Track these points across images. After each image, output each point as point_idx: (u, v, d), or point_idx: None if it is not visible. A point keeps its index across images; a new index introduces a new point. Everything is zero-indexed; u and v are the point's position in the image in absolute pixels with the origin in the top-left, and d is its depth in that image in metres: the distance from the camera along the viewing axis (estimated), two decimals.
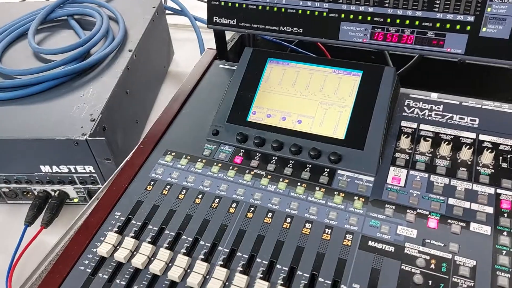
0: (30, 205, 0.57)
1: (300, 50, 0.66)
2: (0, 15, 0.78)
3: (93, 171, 0.55)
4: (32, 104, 0.57)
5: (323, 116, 0.45)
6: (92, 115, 0.54)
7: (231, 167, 0.45)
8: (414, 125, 0.45)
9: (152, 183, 0.44)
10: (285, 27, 0.49)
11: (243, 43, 0.66)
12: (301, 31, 0.49)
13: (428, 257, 0.35)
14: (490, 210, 0.38)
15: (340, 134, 0.44)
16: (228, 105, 0.48)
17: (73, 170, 0.55)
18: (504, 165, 0.41)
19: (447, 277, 0.34)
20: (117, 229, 0.41)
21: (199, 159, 0.46)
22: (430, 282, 0.34)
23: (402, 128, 0.45)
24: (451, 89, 0.48)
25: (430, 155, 0.42)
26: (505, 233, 0.36)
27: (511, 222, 0.37)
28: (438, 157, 0.42)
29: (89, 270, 0.38)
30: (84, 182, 0.56)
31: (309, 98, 0.47)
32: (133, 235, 0.40)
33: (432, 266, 0.35)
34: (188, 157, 0.46)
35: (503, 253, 0.35)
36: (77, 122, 0.54)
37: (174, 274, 0.36)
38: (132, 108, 0.66)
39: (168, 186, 0.44)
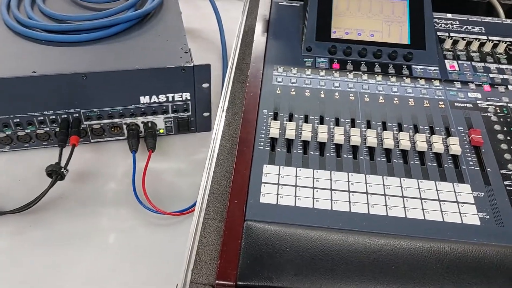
0: (128, 136, 0.62)
1: None
2: None
3: (188, 98, 0.62)
4: (120, 42, 0.62)
5: (389, 29, 0.61)
6: (182, 48, 0.61)
7: (333, 71, 0.57)
8: (447, 33, 0.63)
9: (278, 88, 0.55)
10: None
11: None
12: None
13: (493, 106, 0.54)
14: None
15: (405, 41, 0.60)
16: (313, 28, 0.61)
17: (170, 99, 0.61)
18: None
19: (509, 114, 0.53)
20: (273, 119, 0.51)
21: (305, 68, 0.57)
22: (501, 119, 0.52)
23: (440, 35, 0.63)
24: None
25: (466, 50, 0.61)
26: None
27: None
28: (471, 51, 0.61)
29: (268, 148, 0.48)
30: (176, 110, 0.63)
31: (374, 19, 0.62)
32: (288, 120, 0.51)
33: (498, 110, 0.53)
34: (296, 68, 0.57)
35: None
36: (175, 53, 0.60)
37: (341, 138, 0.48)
38: None
39: (293, 88, 0.55)
